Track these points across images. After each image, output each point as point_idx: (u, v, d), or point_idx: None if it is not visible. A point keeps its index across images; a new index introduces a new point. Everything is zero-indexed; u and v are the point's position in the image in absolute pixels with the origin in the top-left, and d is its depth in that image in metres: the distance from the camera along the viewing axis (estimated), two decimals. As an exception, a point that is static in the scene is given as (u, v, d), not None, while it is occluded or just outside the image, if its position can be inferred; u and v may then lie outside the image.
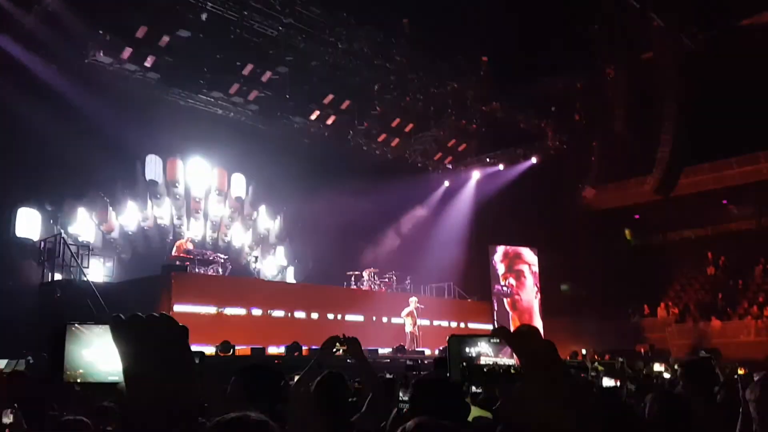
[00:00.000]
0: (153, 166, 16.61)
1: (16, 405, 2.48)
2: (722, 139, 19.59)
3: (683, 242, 24.47)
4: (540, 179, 20.87)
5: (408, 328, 15.13)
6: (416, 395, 2.42)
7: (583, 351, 17.78)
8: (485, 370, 1.15)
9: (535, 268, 21.21)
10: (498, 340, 1.16)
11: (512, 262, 20.99)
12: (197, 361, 1.06)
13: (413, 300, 15.46)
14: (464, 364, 1.15)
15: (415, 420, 1.39)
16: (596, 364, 10.04)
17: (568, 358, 16.27)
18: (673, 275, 23.54)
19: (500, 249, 20.84)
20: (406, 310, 15.23)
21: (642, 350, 18.76)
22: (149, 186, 16.43)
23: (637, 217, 24.12)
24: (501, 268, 20.84)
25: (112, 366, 1.00)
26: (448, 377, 1.17)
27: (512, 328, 1.11)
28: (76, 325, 1.08)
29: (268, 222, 18.82)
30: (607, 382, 6.14)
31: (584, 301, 21.82)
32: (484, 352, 1.15)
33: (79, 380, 1.06)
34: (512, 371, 1.13)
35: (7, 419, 2.31)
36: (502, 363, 1.14)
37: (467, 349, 1.16)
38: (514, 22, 16.37)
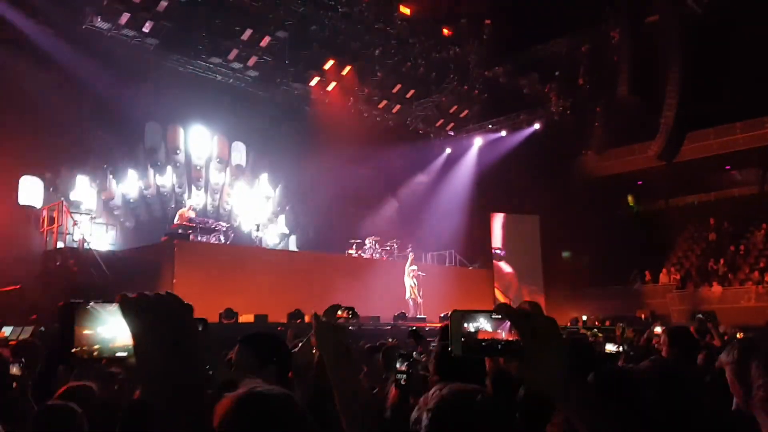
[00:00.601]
0: (153, 134, 16.51)
1: (23, 360, 2.51)
2: (727, 104, 19.41)
3: (686, 208, 24.48)
4: (543, 145, 20.75)
5: (408, 295, 15.24)
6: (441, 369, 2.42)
7: (584, 317, 17.94)
8: (483, 344, 1.16)
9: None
10: (499, 316, 1.15)
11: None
12: (200, 328, 1.09)
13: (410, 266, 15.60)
14: (463, 338, 1.16)
15: (448, 388, 1.39)
16: (595, 329, 10.12)
17: (568, 324, 16.42)
18: (675, 241, 23.59)
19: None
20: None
21: (642, 316, 18.90)
22: (149, 153, 16.36)
23: (640, 183, 24.06)
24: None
25: (127, 342, 1.05)
26: (450, 351, 1.18)
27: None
28: (91, 304, 1.10)
29: (269, 190, 18.79)
30: (610, 347, 6.18)
31: (586, 267, 21.93)
32: (483, 328, 1.15)
33: (95, 354, 1.09)
34: (511, 345, 1.13)
35: (16, 371, 2.34)
36: (499, 339, 1.14)
37: (467, 324, 1.16)
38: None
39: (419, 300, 15.27)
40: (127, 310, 1.01)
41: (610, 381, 2.01)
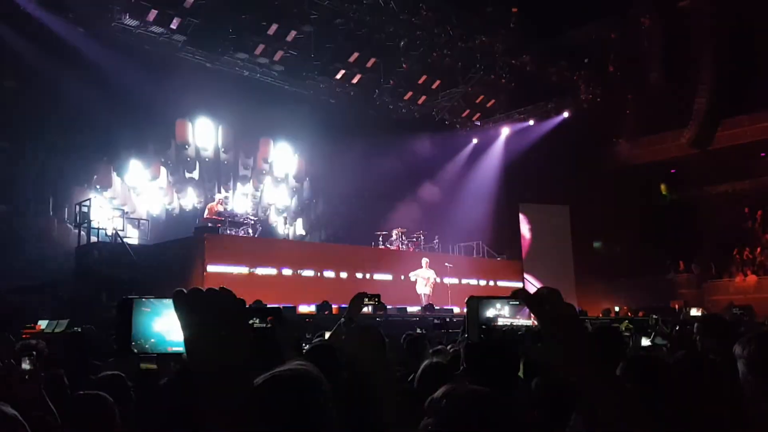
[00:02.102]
0: (183, 129, 16.73)
1: (34, 353, 2.55)
2: (761, 89, 18.86)
3: (720, 196, 23.87)
4: (572, 134, 20.44)
5: (421, 290, 15.11)
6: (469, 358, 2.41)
7: (616, 308, 17.69)
8: (503, 331, 1.14)
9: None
10: (517, 302, 1.13)
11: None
12: (275, 319, 1.14)
13: (425, 260, 15.46)
14: (483, 326, 1.14)
15: (456, 390, 1.38)
16: (626, 321, 9.94)
17: (600, 315, 16.21)
18: (710, 230, 23.07)
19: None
20: (419, 272, 15.26)
21: (676, 307, 18.56)
22: (179, 149, 16.59)
23: (673, 171, 23.56)
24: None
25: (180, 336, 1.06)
26: (467, 338, 1.16)
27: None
28: (145, 298, 1.14)
29: (297, 184, 18.91)
30: (644, 341, 6.06)
31: (618, 258, 21.59)
32: (502, 314, 1.13)
33: (149, 349, 1.13)
34: (530, 332, 1.11)
35: (26, 365, 2.38)
36: (519, 324, 1.12)
37: (485, 311, 1.14)
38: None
39: (431, 294, 15.16)
40: (180, 305, 1.02)
41: (640, 370, 1.97)
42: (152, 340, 1.12)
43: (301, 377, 1.30)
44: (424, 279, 15.19)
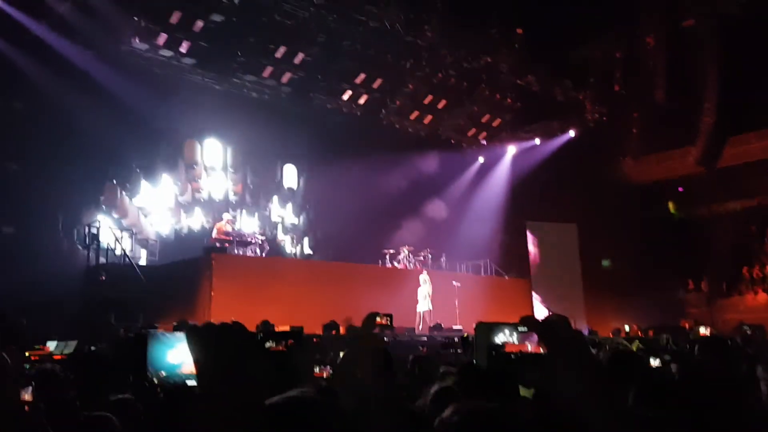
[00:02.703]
0: (191, 150, 16.85)
1: (33, 383, 2.55)
2: (768, 106, 18.84)
3: (728, 214, 23.75)
4: (579, 153, 20.45)
5: (422, 307, 15.03)
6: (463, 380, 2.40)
7: (626, 327, 17.54)
8: (512, 357, 1.14)
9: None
10: (526, 329, 1.14)
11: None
12: (292, 343, 1.14)
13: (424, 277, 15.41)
14: (493, 352, 1.14)
15: (456, 408, 1.37)
16: (636, 341, 9.87)
17: (610, 335, 16.07)
18: (718, 248, 22.91)
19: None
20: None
21: (687, 326, 18.38)
22: (187, 169, 16.69)
23: (680, 189, 23.49)
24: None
25: (191, 369, 1.10)
26: (474, 363, 1.16)
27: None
28: (160, 331, 1.15)
29: (303, 203, 18.96)
30: (654, 362, 6.01)
31: (626, 276, 21.45)
32: (510, 340, 1.14)
33: (156, 381, 1.13)
34: (538, 359, 1.11)
35: (27, 396, 2.38)
36: (528, 351, 1.13)
37: (494, 337, 1.15)
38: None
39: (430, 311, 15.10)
40: (193, 339, 1.03)
41: (651, 396, 1.96)
42: (162, 373, 1.14)
43: (300, 404, 1.30)
44: (424, 295, 15.13)
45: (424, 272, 15.61)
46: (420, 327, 14.62)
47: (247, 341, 1.05)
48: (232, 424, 0.97)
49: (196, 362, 1.02)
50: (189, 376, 0.94)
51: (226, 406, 0.98)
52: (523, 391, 3.47)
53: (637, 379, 2.59)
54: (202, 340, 1.02)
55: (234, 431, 0.97)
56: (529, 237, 21.04)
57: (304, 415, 1.24)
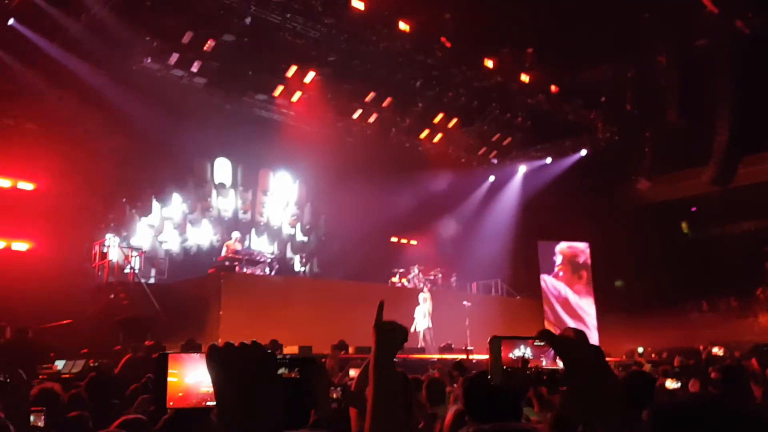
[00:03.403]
0: (202, 169, 16.95)
1: (44, 408, 2.50)
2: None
3: (743, 235, 23.50)
4: (591, 172, 20.37)
5: (422, 326, 14.86)
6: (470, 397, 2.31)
7: (640, 349, 17.30)
8: (528, 372, 1.07)
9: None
10: (542, 343, 1.07)
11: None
12: (309, 369, 1.10)
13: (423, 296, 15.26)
14: (506, 367, 1.08)
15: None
16: (649, 364, 9.70)
17: (624, 357, 15.84)
18: (733, 269, 22.64)
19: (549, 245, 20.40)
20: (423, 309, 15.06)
21: (701, 347, 18.09)
22: (197, 187, 16.77)
23: (694, 209, 23.31)
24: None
25: (209, 388, 1.08)
26: (489, 380, 1.09)
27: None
28: (174, 353, 1.15)
29: (313, 221, 18.98)
30: (670, 384, 5.88)
31: (640, 297, 21.22)
32: (526, 356, 1.06)
33: (173, 404, 1.12)
34: (556, 375, 1.04)
35: (39, 422, 2.32)
36: (544, 367, 1.06)
37: (508, 352, 1.08)
38: (561, 10, 16.00)
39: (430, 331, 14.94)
40: (213, 360, 1.03)
41: (667, 417, 1.86)
42: (180, 395, 1.12)
43: None
44: (423, 313, 14.99)
45: (425, 290, 15.50)
46: (421, 345, 14.48)
47: (265, 362, 1.04)
48: None
49: (215, 383, 1.02)
50: (212, 399, 0.93)
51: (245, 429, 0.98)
52: (530, 413, 3.37)
53: (653, 401, 2.49)
54: (223, 360, 1.02)
55: None
56: (541, 257, 20.87)
57: None
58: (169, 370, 1.12)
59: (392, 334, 1.69)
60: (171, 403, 1.11)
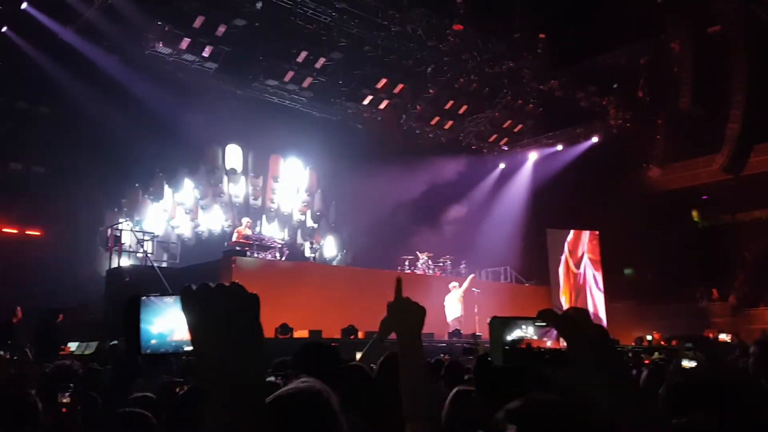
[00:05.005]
0: (213, 154, 17.01)
1: (72, 385, 2.57)
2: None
3: (754, 223, 23.31)
4: (602, 159, 20.22)
5: (454, 314, 14.91)
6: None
7: (648, 337, 17.28)
8: (529, 353, 1.09)
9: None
10: (544, 323, 1.09)
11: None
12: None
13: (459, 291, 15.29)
14: (507, 347, 1.09)
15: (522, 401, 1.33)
16: (656, 353, 9.69)
17: (633, 344, 15.83)
18: (744, 257, 22.50)
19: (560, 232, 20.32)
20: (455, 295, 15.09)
21: (711, 335, 18.04)
22: (208, 173, 16.84)
23: (705, 197, 23.13)
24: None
25: (184, 336, 1.01)
26: (489, 361, 1.11)
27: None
28: (148, 296, 1.09)
29: (323, 208, 19.03)
30: (687, 363, 5.79)
31: (649, 285, 21.15)
32: (528, 336, 1.08)
33: (149, 351, 1.08)
34: (558, 355, 1.06)
35: (65, 399, 2.39)
36: (547, 347, 1.08)
37: (510, 333, 1.10)
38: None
39: (462, 320, 14.96)
40: (188, 303, 0.95)
41: (683, 393, 1.89)
42: (153, 342, 1.07)
43: (309, 394, 1.28)
44: (453, 301, 15.04)
45: (456, 283, 15.52)
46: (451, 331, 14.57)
47: (245, 307, 0.96)
48: (231, 403, 0.90)
49: (192, 329, 0.94)
50: (181, 344, 0.90)
51: (221, 380, 0.91)
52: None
53: (670, 380, 2.50)
54: (200, 303, 0.94)
55: (233, 412, 0.90)
56: (550, 244, 20.81)
57: (313, 407, 1.21)
58: (142, 316, 1.07)
59: (404, 314, 1.72)
60: (147, 350, 1.06)
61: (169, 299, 1.07)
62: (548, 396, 1.28)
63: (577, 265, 20.23)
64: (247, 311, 0.96)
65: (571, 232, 20.15)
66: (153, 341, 1.07)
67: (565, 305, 19.10)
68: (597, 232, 20.68)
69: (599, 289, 20.20)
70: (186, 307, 0.95)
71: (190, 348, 0.99)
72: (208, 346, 0.92)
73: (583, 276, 20.29)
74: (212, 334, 0.92)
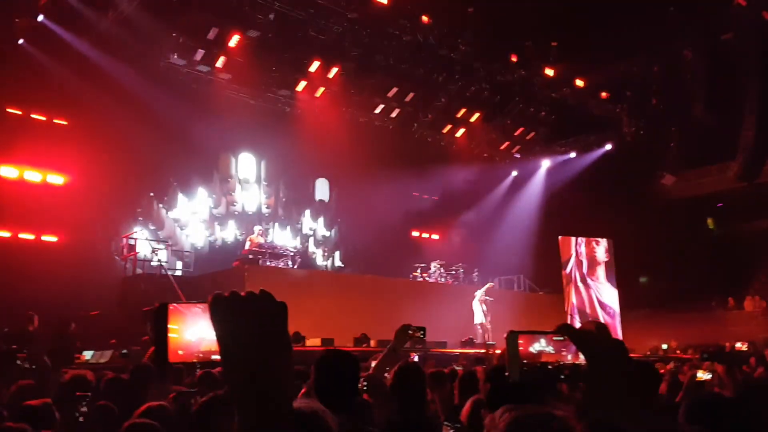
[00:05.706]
0: (226, 163, 17.11)
1: (89, 395, 2.60)
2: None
3: (769, 231, 23.08)
4: (615, 167, 20.13)
5: (478, 320, 14.94)
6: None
7: (664, 346, 17.11)
8: (549, 368, 1.08)
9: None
10: (562, 338, 1.08)
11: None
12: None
13: (480, 292, 15.30)
14: (524, 368, 1.08)
15: (509, 413, 1.34)
16: (672, 363, 9.59)
17: (648, 353, 15.69)
18: (759, 265, 22.26)
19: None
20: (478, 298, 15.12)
21: (727, 345, 17.82)
22: (222, 182, 16.94)
23: (720, 205, 22.93)
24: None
25: (212, 346, 0.97)
26: (507, 377, 1.10)
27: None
28: (175, 304, 1.06)
29: (335, 215, 19.06)
30: (702, 375, 5.74)
31: (664, 293, 20.96)
32: (546, 350, 1.08)
33: (178, 362, 1.05)
34: (578, 371, 1.06)
35: (83, 409, 2.42)
36: (565, 362, 1.08)
37: (527, 347, 1.09)
38: (586, 3, 15.81)
39: (488, 326, 14.96)
40: (219, 310, 0.92)
41: (702, 408, 1.89)
42: (180, 352, 1.05)
43: (307, 416, 1.28)
44: (482, 305, 15.08)
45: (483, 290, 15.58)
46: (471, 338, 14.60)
47: (277, 314, 0.94)
48: (258, 413, 0.88)
49: (220, 339, 0.91)
50: (208, 353, 0.87)
51: (249, 389, 0.89)
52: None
53: (688, 394, 2.50)
54: (229, 312, 0.91)
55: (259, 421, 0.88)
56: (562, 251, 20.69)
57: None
58: (170, 325, 1.04)
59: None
60: (175, 358, 1.04)
61: (196, 308, 1.05)
62: (539, 409, 1.29)
63: (590, 274, 20.06)
64: (278, 319, 0.94)
65: (584, 240, 20.00)
66: (180, 352, 1.05)
67: (578, 314, 18.98)
68: (611, 240, 20.53)
69: (613, 297, 20.01)
70: (216, 315, 0.93)
71: (218, 357, 0.96)
72: (238, 355, 0.90)
73: (596, 284, 20.12)
74: (243, 342, 0.91)
